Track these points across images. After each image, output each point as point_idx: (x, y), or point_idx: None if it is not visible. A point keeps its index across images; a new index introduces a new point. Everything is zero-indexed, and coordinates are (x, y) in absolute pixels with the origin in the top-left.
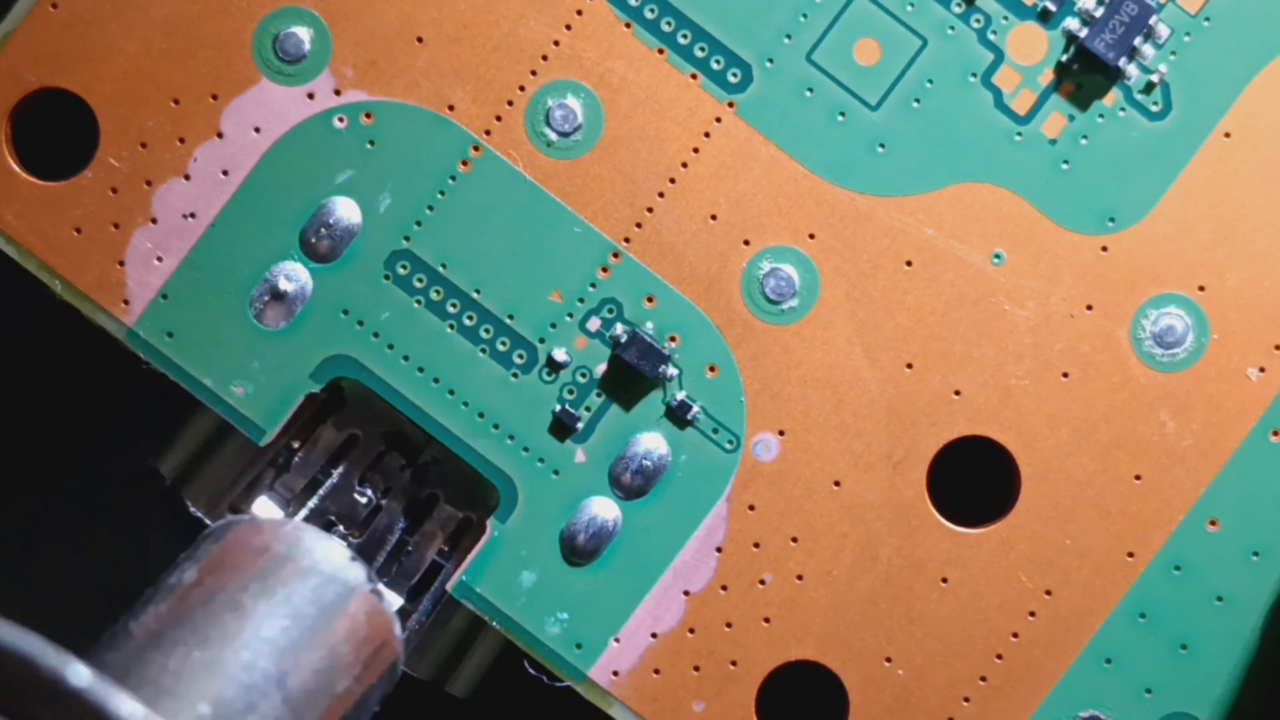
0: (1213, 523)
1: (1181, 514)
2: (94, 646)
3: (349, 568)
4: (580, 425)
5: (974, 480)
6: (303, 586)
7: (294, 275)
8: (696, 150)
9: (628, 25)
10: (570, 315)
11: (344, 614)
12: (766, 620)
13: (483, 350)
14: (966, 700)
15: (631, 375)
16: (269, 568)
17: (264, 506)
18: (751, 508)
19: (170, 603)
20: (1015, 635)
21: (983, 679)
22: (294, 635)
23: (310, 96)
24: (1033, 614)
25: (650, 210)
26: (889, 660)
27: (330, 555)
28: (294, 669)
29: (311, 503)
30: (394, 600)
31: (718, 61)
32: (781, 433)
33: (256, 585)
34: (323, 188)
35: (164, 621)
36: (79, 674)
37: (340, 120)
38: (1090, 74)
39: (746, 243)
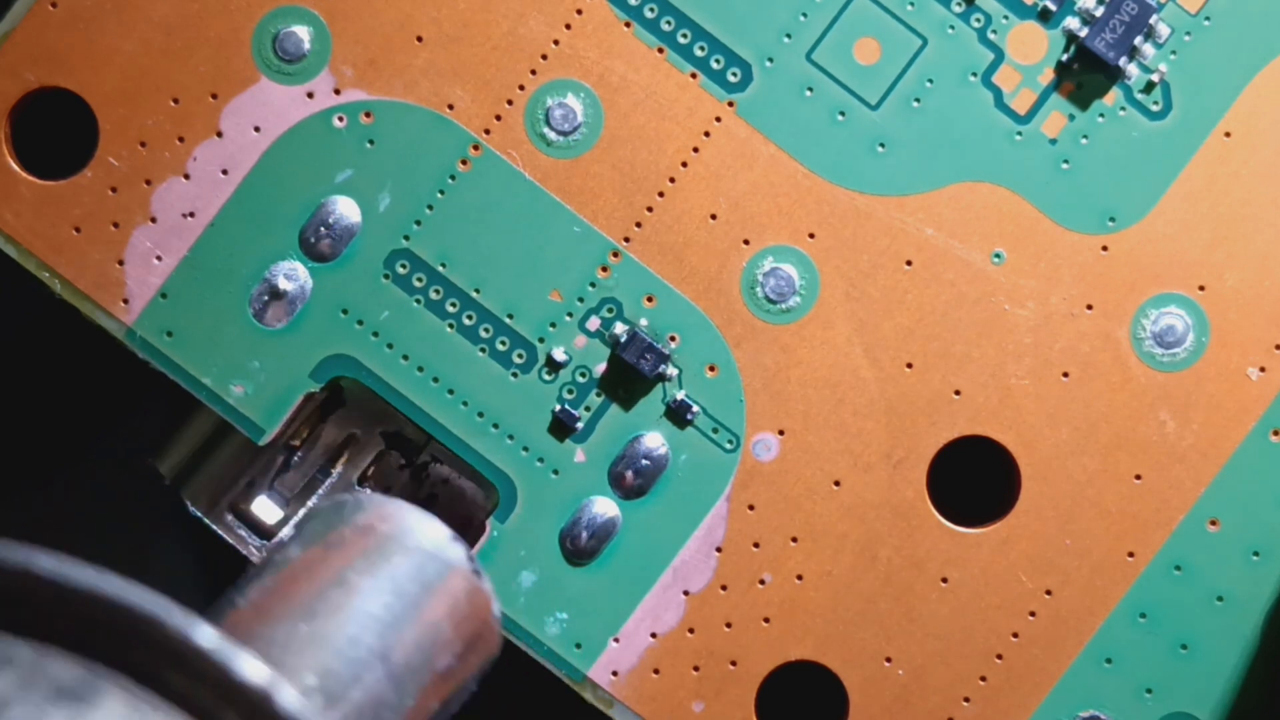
0: (1213, 523)
1: (1181, 514)
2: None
3: (450, 547)
4: (580, 425)
5: (974, 480)
6: (406, 564)
7: (293, 274)
8: (696, 150)
9: (627, 25)
10: (570, 315)
11: (445, 592)
12: (766, 620)
13: (482, 350)
14: (966, 700)
15: (631, 375)
16: (373, 545)
17: (263, 506)
18: (751, 508)
19: (274, 577)
20: (1015, 635)
21: (983, 679)
22: (397, 611)
23: (310, 96)
24: (1033, 614)
25: (650, 210)
26: (889, 660)
27: (432, 534)
28: (397, 644)
29: (311, 502)
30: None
31: (717, 61)
32: (781, 432)
33: (361, 562)
34: (322, 187)
35: (269, 595)
36: (206, 635)
37: (340, 119)
38: (1090, 73)
39: (746, 242)
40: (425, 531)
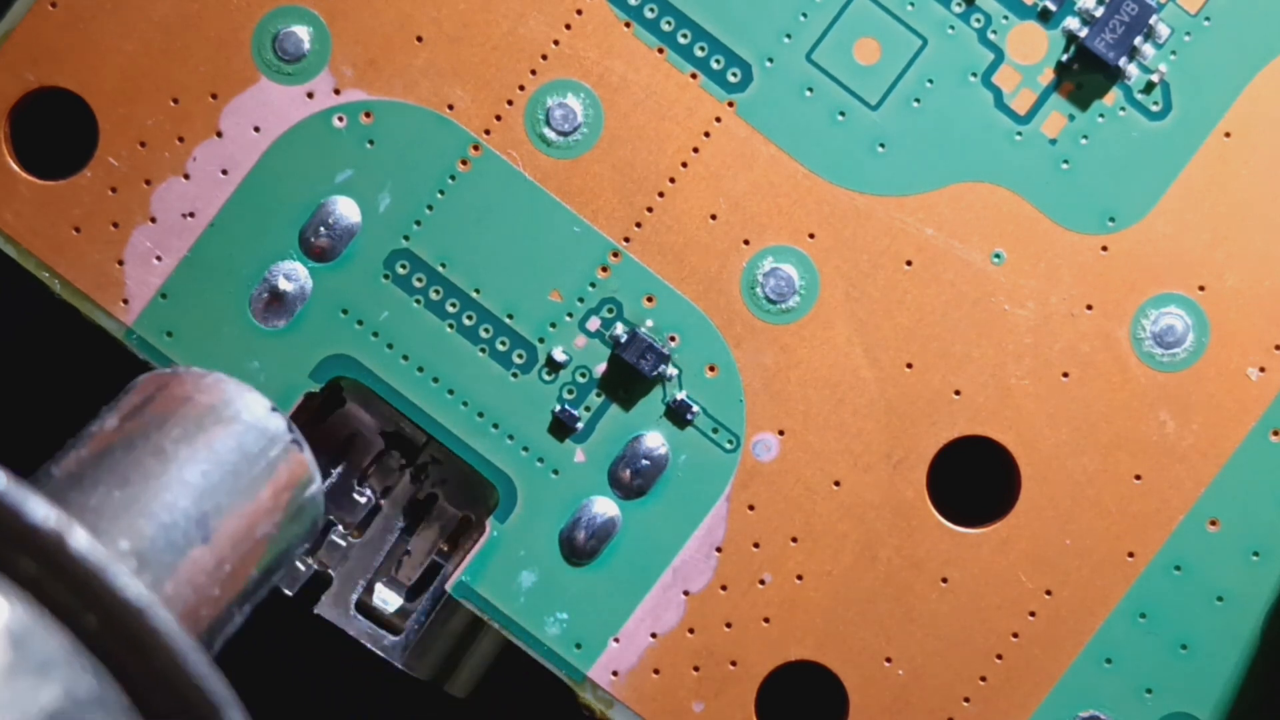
0: (1213, 523)
1: (1181, 514)
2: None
3: (270, 418)
4: (580, 425)
5: (974, 480)
6: (224, 434)
7: (293, 274)
8: (696, 150)
9: (627, 25)
10: (570, 315)
11: (264, 461)
12: (766, 620)
13: (482, 350)
14: (966, 700)
15: (631, 375)
16: (191, 415)
17: None
18: (751, 508)
19: (90, 447)
20: (1015, 635)
21: (983, 679)
22: (215, 479)
23: (310, 96)
24: (1033, 614)
25: (650, 210)
26: (889, 660)
27: (252, 405)
28: (214, 511)
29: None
30: (312, 458)
31: (717, 61)
32: (781, 433)
33: (178, 431)
34: (322, 187)
35: (84, 464)
36: None
37: (340, 119)
38: (1090, 73)
39: (746, 242)
40: (245, 402)
